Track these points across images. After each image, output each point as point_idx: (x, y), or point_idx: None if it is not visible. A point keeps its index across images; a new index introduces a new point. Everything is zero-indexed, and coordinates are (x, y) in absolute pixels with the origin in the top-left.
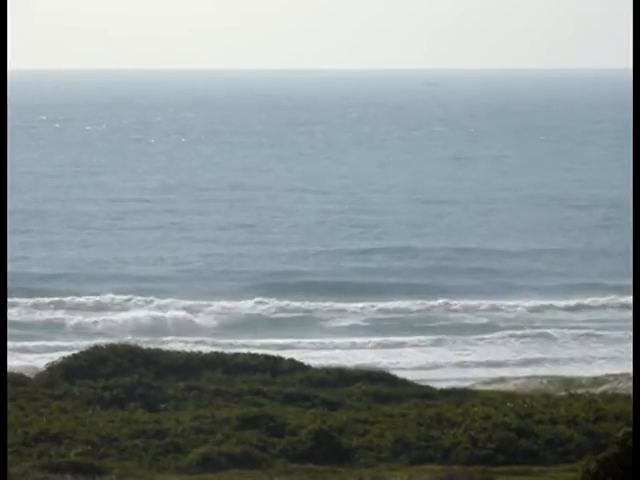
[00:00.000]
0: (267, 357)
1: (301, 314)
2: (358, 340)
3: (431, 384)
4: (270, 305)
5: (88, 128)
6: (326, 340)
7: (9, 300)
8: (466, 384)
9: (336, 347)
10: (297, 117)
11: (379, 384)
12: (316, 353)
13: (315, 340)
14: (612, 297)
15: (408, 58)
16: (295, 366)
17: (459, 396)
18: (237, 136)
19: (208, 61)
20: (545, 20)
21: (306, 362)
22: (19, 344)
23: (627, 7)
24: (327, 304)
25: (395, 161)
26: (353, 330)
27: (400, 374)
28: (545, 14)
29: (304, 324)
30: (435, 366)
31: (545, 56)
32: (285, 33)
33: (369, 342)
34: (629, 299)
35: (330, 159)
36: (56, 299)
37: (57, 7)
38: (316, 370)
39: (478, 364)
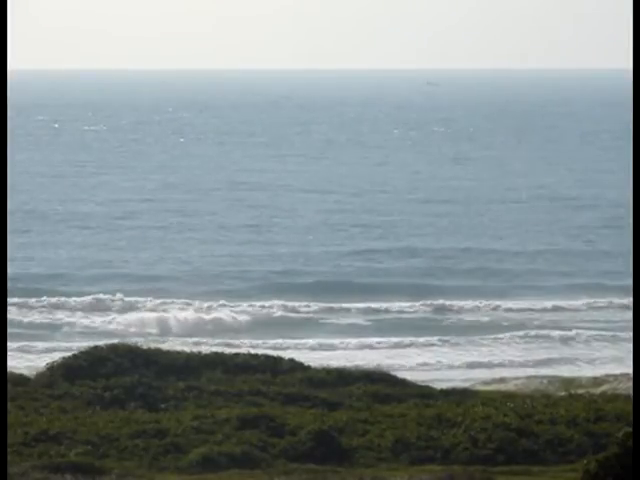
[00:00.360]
0: (267, 357)
1: (303, 314)
2: (361, 340)
3: (434, 384)
4: (272, 305)
5: (85, 128)
6: (329, 340)
7: (13, 300)
8: (467, 384)
9: (338, 347)
10: (297, 117)
11: (379, 384)
12: (318, 354)
13: (318, 340)
14: (617, 298)
15: (408, 58)
16: (295, 366)
17: (459, 396)
18: (237, 136)
19: (208, 61)
20: (545, 20)
21: (309, 363)
22: (19, 344)
23: (627, 7)
24: (329, 304)
25: (395, 161)
26: (356, 330)
27: (404, 374)
28: (545, 14)
29: (306, 324)
30: (439, 366)
31: (545, 56)
32: (285, 33)
33: (372, 342)
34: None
35: (330, 159)
36: (61, 299)
37: (57, 7)
38: (316, 370)
39: (482, 364)
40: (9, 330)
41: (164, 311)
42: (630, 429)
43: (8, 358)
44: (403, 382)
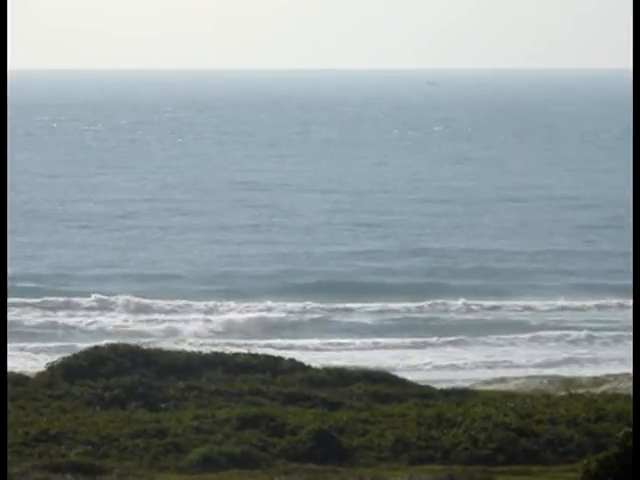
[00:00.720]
0: (267, 357)
1: (306, 315)
2: (364, 341)
3: (437, 384)
4: (275, 305)
5: (84, 128)
6: (332, 340)
7: (13, 300)
8: (467, 384)
9: (342, 348)
10: (297, 117)
11: (379, 384)
12: (322, 354)
13: (321, 341)
14: (619, 297)
15: (408, 58)
16: (295, 366)
17: (459, 396)
18: (237, 136)
19: (208, 61)
20: (545, 20)
21: (313, 363)
22: (21, 344)
23: (627, 7)
24: (332, 305)
25: (395, 161)
26: (359, 330)
27: (405, 374)
28: (545, 14)
29: (310, 325)
30: (441, 366)
31: (545, 56)
32: (285, 33)
33: (375, 342)
34: None
35: (330, 159)
36: (63, 299)
37: (57, 7)
38: (316, 370)
39: (484, 364)
40: (11, 330)
41: (168, 312)
42: (630, 429)
43: (10, 358)
44: (403, 382)
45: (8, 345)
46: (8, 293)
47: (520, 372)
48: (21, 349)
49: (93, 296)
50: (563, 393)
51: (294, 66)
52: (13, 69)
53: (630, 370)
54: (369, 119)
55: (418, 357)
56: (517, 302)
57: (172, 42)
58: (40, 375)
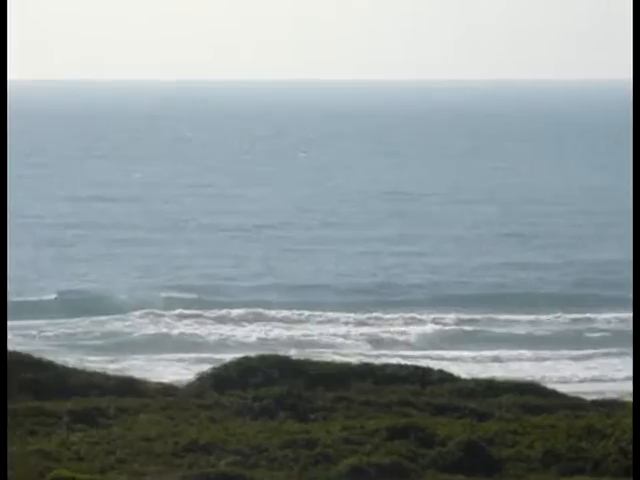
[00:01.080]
0: (416, 368)
1: (458, 326)
2: (517, 352)
3: (587, 396)
4: (427, 318)
5: (220, 139)
6: (485, 352)
7: (174, 312)
8: (616, 395)
9: (494, 359)
10: (443, 127)
11: (528, 395)
12: (476, 366)
13: (474, 353)
14: None
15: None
16: (444, 377)
17: (609, 407)
18: (376, 145)
19: (210, 70)
20: (550, 31)
21: (466, 374)
22: (173, 355)
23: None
24: (485, 315)
25: (529, 171)
26: (512, 342)
27: (555, 386)
28: (548, 24)
29: (462, 336)
30: (591, 378)
31: (548, 67)
32: (289, 41)
33: (528, 354)
34: None
35: (475, 169)
36: (213, 311)
37: (58, 10)
38: (465, 381)
39: (629, 376)
40: (166, 340)
41: (319, 323)
42: None
43: (164, 369)
44: (553, 393)
45: (163, 356)
46: (163, 305)
47: None
48: (175, 360)
49: (246, 307)
50: None
51: (294, 76)
52: (11, 79)
53: None
54: (493, 128)
55: (571, 369)
56: None
57: (171, 47)
58: (190, 385)
